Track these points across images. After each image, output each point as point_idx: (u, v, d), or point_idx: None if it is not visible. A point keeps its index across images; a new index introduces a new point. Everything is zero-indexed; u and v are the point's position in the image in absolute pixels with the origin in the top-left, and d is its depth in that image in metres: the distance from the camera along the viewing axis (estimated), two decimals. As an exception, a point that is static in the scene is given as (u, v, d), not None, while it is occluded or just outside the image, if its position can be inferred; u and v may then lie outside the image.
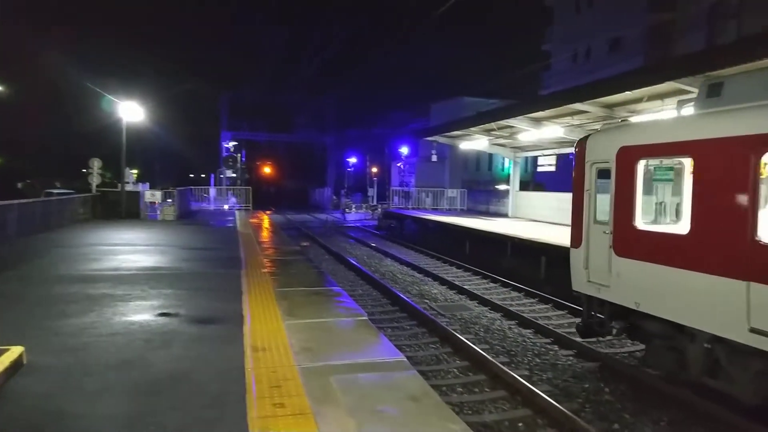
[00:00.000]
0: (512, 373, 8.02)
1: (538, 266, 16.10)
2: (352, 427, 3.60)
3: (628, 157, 7.63)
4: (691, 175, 6.75)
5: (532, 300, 13.91)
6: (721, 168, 6.21)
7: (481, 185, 38.14)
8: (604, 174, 8.20)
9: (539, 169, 32.10)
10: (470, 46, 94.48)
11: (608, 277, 7.87)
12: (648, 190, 7.93)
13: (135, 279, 8.89)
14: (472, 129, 23.80)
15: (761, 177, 5.84)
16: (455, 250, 21.33)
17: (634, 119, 13.25)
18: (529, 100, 23.17)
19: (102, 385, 4.30)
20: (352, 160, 59.47)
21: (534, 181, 35.84)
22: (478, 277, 17.06)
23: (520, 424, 6.74)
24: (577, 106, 15.89)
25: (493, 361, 8.63)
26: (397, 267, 19.04)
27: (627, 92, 13.65)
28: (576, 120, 17.94)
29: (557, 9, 42.50)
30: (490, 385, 7.94)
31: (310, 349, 5.26)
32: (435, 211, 31.94)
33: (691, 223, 6.58)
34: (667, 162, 7.74)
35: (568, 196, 23.15)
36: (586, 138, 8.78)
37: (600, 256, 8.06)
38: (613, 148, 7.88)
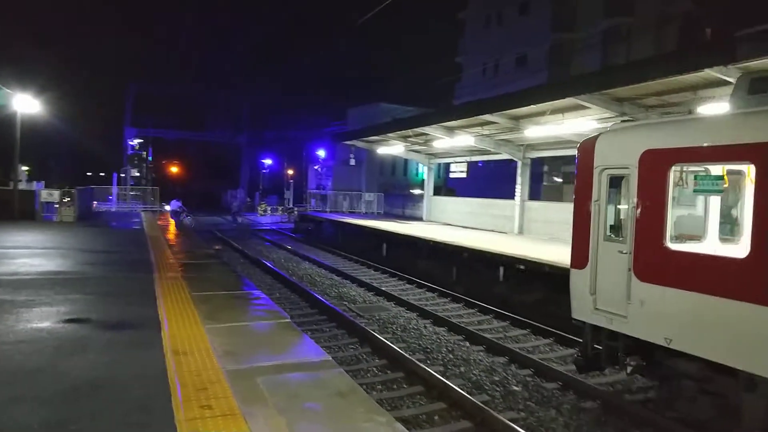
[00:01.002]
0: (428, 369, 8.41)
1: (451, 267, 16.84)
2: (283, 424, 3.71)
3: (656, 162, 6.38)
4: (753, 186, 5.54)
5: (445, 300, 14.54)
6: None
7: (397, 189, 38.97)
8: (617, 182, 7.06)
9: (451, 175, 33.44)
10: (389, 53, 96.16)
11: (625, 305, 6.61)
12: (683, 203, 6.80)
13: (37, 284, 8.32)
14: (390, 135, 24.38)
15: None
16: (373, 252, 21.71)
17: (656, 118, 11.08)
18: (444, 109, 24.14)
19: (10, 395, 4.07)
20: (268, 161, 58.41)
21: (446, 186, 37.19)
22: (395, 278, 17.51)
23: (436, 417, 7.11)
24: (487, 117, 16.85)
25: (410, 358, 8.99)
26: (315, 270, 19.07)
27: (533, 106, 14.70)
28: (485, 130, 18.98)
29: (469, 23, 44.47)
30: (408, 382, 8.28)
31: (234, 353, 5.27)
32: (352, 214, 32.23)
33: (757, 246, 5.33)
34: (715, 169, 6.40)
35: (478, 201, 24.56)
36: (593, 139, 7.47)
37: (613, 280, 6.78)
38: (635, 152, 6.63)
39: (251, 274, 17.55)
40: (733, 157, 5.78)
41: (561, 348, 10.46)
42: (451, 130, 20.10)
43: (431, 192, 28.40)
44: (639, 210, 6.54)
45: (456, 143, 21.10)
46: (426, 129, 20.62)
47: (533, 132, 16.69)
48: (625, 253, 6.67)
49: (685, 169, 6.43)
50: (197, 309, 7.01)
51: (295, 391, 4.35)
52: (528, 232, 20.62)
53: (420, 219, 28.24)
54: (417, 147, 25.56)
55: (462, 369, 9.03)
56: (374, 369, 8.90)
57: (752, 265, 5.32)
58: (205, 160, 66.30)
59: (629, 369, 6.97)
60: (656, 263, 6.33)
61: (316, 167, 46.62)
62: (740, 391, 5.54)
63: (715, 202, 6.94)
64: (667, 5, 28.85)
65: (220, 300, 7.85)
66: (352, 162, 37.75)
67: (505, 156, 21.35)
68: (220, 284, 9.23)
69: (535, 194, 22.15)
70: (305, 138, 49.00)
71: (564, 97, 13.39)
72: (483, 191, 26.32)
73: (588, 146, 7.49)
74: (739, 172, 6.30)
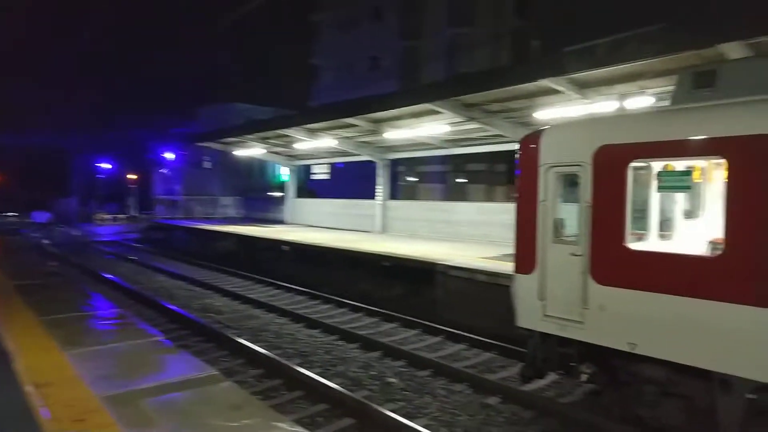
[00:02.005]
0: (307, 373, 8.43)
1: (318, 269, 16.94)
2: (180, 445, 3.53)
3: (614, 158, 6.01)
4: (726, 182, 5.26)
5: (315, 302, 14.59)
6: None
7: (255, 193, 37.98)
8: (568, 180, 6.59)
9: (313, 176, 33.52)
10: (243, 52, 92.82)
11: (581, 311, 6.24)
12: (641, 201, 6.40)
13: None
14: (249, 136, 23.70)
15: None
16: (234, 259, 20.96)
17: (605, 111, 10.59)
18: (307, 111, 24.22)
19: None
20: (106, 166, 53.09)
21: (307, 188, 37.19)
22: (261, 285, 17.11)
23: (320, 418, 7.17)
24: (349, 120, 17.25)
25: (287, 364, 8.92)
26: (172, 282, 17.86)
27: (393, 110, 15.40)
28: (347, 132, 19.39)
29: (324, 26, 44.85)
30: (288, 387, 8.21)
31: (108, 377, 4.83)
32: (208, 220, 30.71)
33: (732, 244, 5.15)
34: (679, 165, 6.17)
35: (341, 202, 24.96)
36: (537, 134, 6.93)
37: (566, 284, 6.41)
38: (589, 148, 6.21)
39: (101, 291, 15.89)
40: (704, 151, 5.54)
41: (429, 337, 11.12)
42: (313, 132, 20.18)
43: (293, 194, 28.20)
44: (594, 209, 6.14)
45: (318, 145, 21.22)
46: (288, 131, 20.44)
47: (392, 135, 17.46)
48: (579, 256, 6.26)
49: (645, 164, 6.18)
50: (52, 335, 6.25)
51: (186, 409, 4.14)
52: (390, 230, 21.50)
53: (282, 222, 27.87)
54: (278, 149, 25.20)
55: (340, 368, 9.19)
56: (251, 380, 8.68)
57: (731, 264, 5.13)
58: (29, 167, 58.20)
59: (583, 377, 6.72)
60: (617, 265, 5.97)
61: (163, 171, 43.58)
62: (715, 393, 5.37)
63: (677, 199, 6.79)
64: (501, 19, 31.99)
65: (76, 322, 7.07)
66: (208, 165, 35.97)
67: (365, 157, 22.01)
68: (71, 305, 8.29)
69: (394, 194, 23.16)
70: (150, 139, 45.47)
71: (421, 103, 14.26)
72: (345, 192, 26.82)
73: (531, 142, 6.91)
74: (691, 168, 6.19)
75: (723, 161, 5.29)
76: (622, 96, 11.02)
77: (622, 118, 6.68)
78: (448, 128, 15.56)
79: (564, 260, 6.45)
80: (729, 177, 5.20)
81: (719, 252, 5.36)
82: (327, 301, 14.43)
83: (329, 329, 11.50)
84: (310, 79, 41.73)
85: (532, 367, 7.13)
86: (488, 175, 29.31)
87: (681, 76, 6.33)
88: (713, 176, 6.67)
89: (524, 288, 6.97)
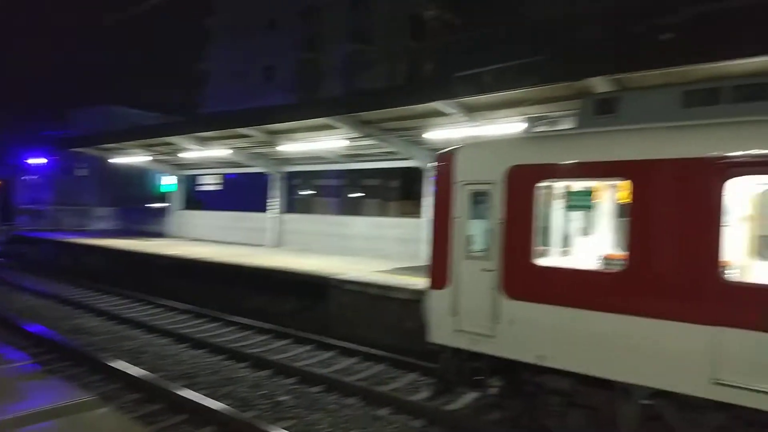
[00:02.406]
0: (191, 395, 7.96)
1: (205, 285, 16.16)
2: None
3: (524, 178, 6.29)
4: (629, 201, 5.63)
5: (201, 320, 13.87)
6: (683, 192, 5.28)
7: (135, 203, 35.44)
8: (481, 197, 6.74)
9: (202, 187, 31.99)
10: (130, 53, 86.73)
11: (492, 325, 6.41)
12: (547, 219, 6.65)
13: None
14: (131, 143, 22.14)
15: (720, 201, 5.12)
16: (110, 276, 19.36)
17: (510, 132, 10.54)
18: (197, 119, 23.10)
19: None
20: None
21: (195, 199, 35.41)
22: (140, 303, 15.93)
23: (207, 443, 6.81)
24: (243, 130, 16.80)
25: (169, 389, 8.35)
26: (38, 301, 16.07)
27: (291, 122, 15.26)
28: (241, 143, 18.84)
29: (217, 32, 43.44)
30: (171, 411, 7.71)
31: (-47, 410, 4.21)
32: (81, 232, 28.13)
33: (633, 260, 5.51)
34: (584, 186, 6.53)
35: (231, 215, 24.06)
36: (453, 152, 7.08)
37: (478, 299, 6.56)
38: (500, 167, 6.47)
39: (-56, 311, 13.86)
40: (608, 173, 5.88)
41: (322, 352, 11.03)
42: (204, 141, 19.35)
43: (180, 205, 26.74)
44: (505, 226, 6.39)
45: (209, 154, 20.38)
46: (176, 139, 19.41)
47: (288, 147, 17.26)
48: (491, 271, 6.46)
49: (555, 185, 6.44)
50: None
51: (54, 441, 3.73)
52: (285, 244, 21.12)
53: (165, 235, 26.28)
54: (163, 157, 23.80)
55: (228, 388, 8.81)
56: (129, 405, 8.03)
57: (632, 280, 5.47)
58: None
59: (493, 390, 6.90)
60: (526, 280, 6.24)
61: (28, 178, 39.39)
62: (615, 402, 5.69)
63: (579, 217, 7.11)
64: (397, 40, 33.10)
65: None
66: (82, 172, 33.01)
67: (259, 169, 21.50)
68: None
69: (289, 207, 22.83)
70: (14, 143, 40.87)
71: (318, 117, 14.28)
72: (237, 204, 25.93)
73: (447, 159, 7.09)
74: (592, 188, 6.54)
75: (626, 182, 5.66)
76: (506, 120, 11.85)
77: (532, 139, 6.93)
78: (346, 143, 15.71)
79: (476, 276, 6.60)
80: (633, 198, 5.55)
81: (619, 267, 5.71)
82: (214, 319, 13.79)
83: (216, 349, 10.99)
84: (201, 85, 40.06)
85: (445, 382, 7.26)
86: (383, 191, 29.98)
87: (585, 102, 6.72)
88: (604, 196, 7.10)
89: (437, 303, 7.02)
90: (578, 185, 6.53)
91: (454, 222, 6.91)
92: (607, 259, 6.39)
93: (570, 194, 6.58)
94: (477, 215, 6.79)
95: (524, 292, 6.22)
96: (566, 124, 7.26)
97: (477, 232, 6.79)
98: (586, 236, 7.22)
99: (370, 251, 17.97)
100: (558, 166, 6.16)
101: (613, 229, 6.94)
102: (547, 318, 5.98)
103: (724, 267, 5.04)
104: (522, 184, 6.30)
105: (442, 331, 6.97)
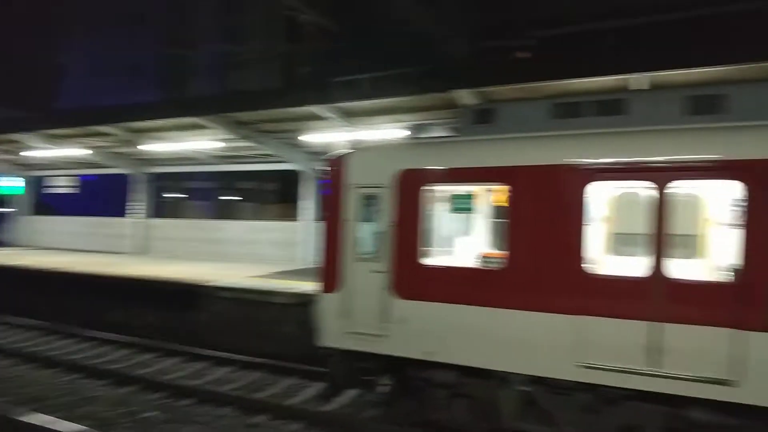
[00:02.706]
0: (40, 419, 7.13)
1: (58, 298, 14.56)
2: None
3: (412, 182, 6.54)
4: (507, 204, 6.09)
5: (52, 337, 12.49)
6: (551, 196, 5.80)
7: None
8: (371, 200, 6.87)
9: (53, 190, 28.78)
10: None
11: (384, 325, 6.59)
12: (434, 221, 6.84)
13: None
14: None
15: (583, 203, 5.67)
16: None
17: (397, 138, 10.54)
18: (49, 114, 20.71)
19: None
20: None
21: (43, 203, 31.72)
22: (-24, 320, 13.93)
23: (60, 471, 6.15)
24: (103, 128, 15.45)
25: (10, 415, 7.41)
26: None
27: (157, 121, 14.32)
28: (100, 141, 17.28)
29: (77, 23, 39.45)
30: (15, 439, 6.84)
31: None
32: None
33: (510, 258, 5.97)
34: (464, 190, 6.91)
35: (89, 220, 21.92)
36: (344, 155, 7.20)
37: (369, 301, 6.71)
38: (390, 171, 6.68)
39: None
40: (488, 178, 6.30)
41: (193, 364, 10.49)
42: (55, 139, 17.44)
43: (28, 211, 23.83)
44: (395, 229, 6.60)
45: (62, 154, 18.41)
46: (20, 136, 17.27)
47: (154, 147, 16.19)
48: (381, 272, 6.63)
49: (439, 189, 6.66)
50: None
51: None
52: (151, 251, 19.71)
53: (10, 244, 23.23)
54: (5, 156, 21.03)
55: (87, 408, 8.04)
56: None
57: (509, 277, 5.94)
58: None
59: (384, 388, 7.03)
60: (415, 280, 6.47)
61: None
62: (496, 389, 6.16)
63: (463, 219, 7.50)
64: (272, 42, 32.54)
65: None
66: None
67: (121, 170, 19.88)
68: None
69: (157, 211, 21.32)
70: None
71: (189, 116, 13.57)
72: (95, 209, 23.68)
73: (338, 163, 7.15)
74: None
75: (504, 187, 6.12)
76: (383, 126, 12.24)
77: (419, 145, 7.18)
78: (219, 144, 15.12)
79: (367, 277, 6.73)
80: (510, 201, 6.02)
81: (498, 265, 6.17)
82: (69, 335, 12.47)
83: (72, 367, 9.96)
84: (54, 79, 36.09)
85: (336, 384, 7.33)
86: (259, 194, 29.24)
87: (465, 111, 7.17)
88: (482, 200, 7.52)
89: (328, 307, 7.05)
90: (461, 189, 6.92)
91: (345, 225, 6.97)
92: (485, 258, 6.88)
93: (453, 197, 6.97)
94: (367, 218, 6.90)
95: (413, 291, 6.45)
96: (440, 132, 7.73)
97: (367, 235, 6.90)
98: (466, 237, 7.64)
99: (246, 256, 17.46)
100: (443, 171, 6.50)
101: (490, 230, 7.47)
102: (434, 315, 6.29)
103: (586, 262, 5.58)
104: (410, 187, 6.55)
105: (333, 333, 7.00)
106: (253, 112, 13.14)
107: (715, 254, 6.09)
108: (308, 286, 11.59)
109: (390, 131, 12.08)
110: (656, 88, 8.89)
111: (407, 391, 6.95)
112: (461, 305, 6.14)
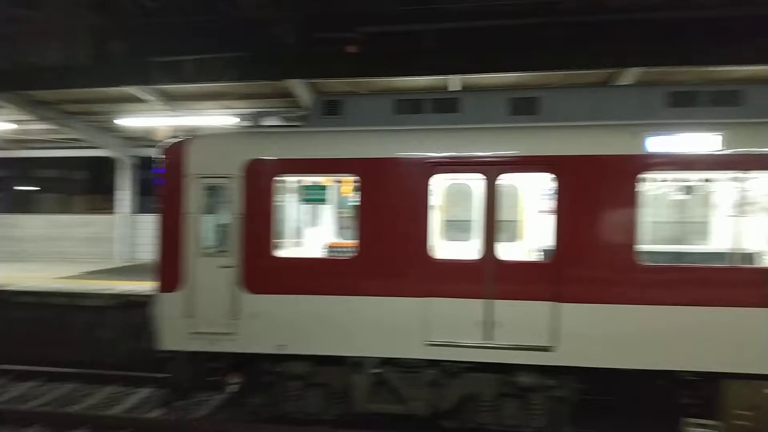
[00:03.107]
0: None
1: None
2: None
3: (263, 172, 6.41)
4: (359, 195, 6.24)
5: None
6: (398, 187, 6.10)
7: None
8: (217, 191, 6.56)
9: None
10: None
11: (233, 322, 6.43)
12: (285, 212, 6.81)
13: None
14: None
15: (426, 194, 6.03)
16: None
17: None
18: None
19: None
20: None
21: None
22: None
23: None
24: None
25: None
26: None
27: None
28: None
29: None
30: None
31: None
32: None
33: (361, 247, 6.17)
34: (316, 181, 6.88)
35: None
36: (183, 143, 6.67)
37: (216, 297, 6.47)
38: (237, 160, 6.44)
39: None
40: (339, 169, 6.37)
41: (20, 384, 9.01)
42: None
43: None
44: (245, 221, 6.41)
45: None
46: None
47: None
48: (230, 267, 6.43)
49: (289, 180, 6.59)
50: None
51: None
52: None
53: None
54: None
55: None
56: None
57: (359, 265, 6.14)
58: None
59: (232, 387, 6.80)
60: (266, 273, 6.38)
61: None
62: (349, 376, 6.41)
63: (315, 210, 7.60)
64: (76, 12, 28.66)
65: None
66: None
67: None
68: None
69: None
70: None
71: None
72: None
73: (176, 151, 6.62)
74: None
75: (355, 178, 6.28)
76: (210, 112, 11.69)
77: (269, 134, 6.96)
78: (12, 126, 13.02)
79: (214, 273, 6.46)
80: (361, 191, 6.21)
81: (349, 254, 6.36)
82: None
83: None
84: None
85: (176, 389, 6.95)
86: (64, 184, 25.70)
87: (315, 101, 7.15)
88: (330, 190, 7.52)
89: (169, 307, 6.60)
90: (312, 180, 6.93)
91: (187, 218, 6.55)
92: (332, 248, 6.99)
93: (305, 188, 6.95)
94: (212, 210, 6.62)
95: (265, 284, 6.39)
96: (278, 122, 7.71)
97: (213, 228, 6.63)
98: (317, 227, 7.71)
99: (51, 255, 15.41)
100: (295, 161, 6.45)
101: (338, 220, 7.68)
102: (286, 308, 6.31)
103: (430, 248, 6.03)
104: (261, 178, 6.42)
105: (176, 335, 6.61)
106: (55, 90, 11.56)
107: (532, 238, 7.03)
108: (129, 286, 10.69)
109: (219, 118, 11.61)
110: (484, 89, 9.93)
111: (259, 387, 6.86)
112: (314, 296, 6.25)
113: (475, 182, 6.49)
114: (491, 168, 6.03)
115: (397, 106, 6.74)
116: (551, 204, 5.97)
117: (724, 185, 6.19)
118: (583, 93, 6.61)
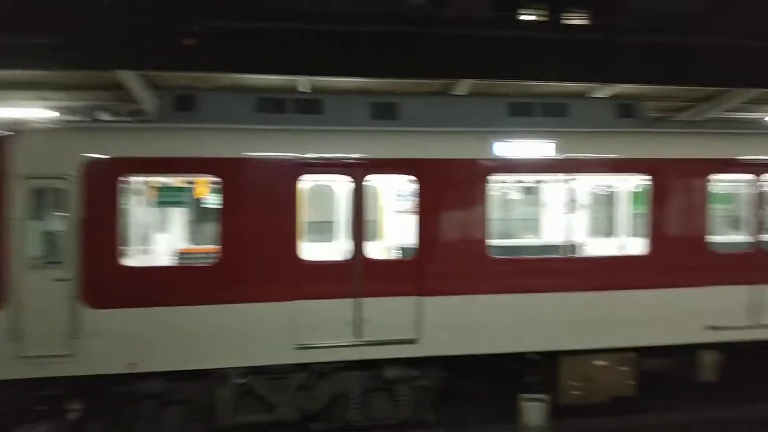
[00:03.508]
0: None
1: None
2: None
3: (107, 172, 5.74)
4: (221, 196, 5.89)
5: None
6: (264, 189, 5.90)
7: None
8: (50, 194, 5.77)
9: None
10: None
11: (71, 342, 5.63)
12: (132, 217, 6.15)
13: None
14: None
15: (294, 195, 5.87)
16: None
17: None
18: None
19: None
20: None
21: None
22: None
23: None
24: None
25: None
26: None
27: None
28: None
29: None
30: None
31: None
32: None
33: (224, 252, 5.83)
34: (170, 182, 6.44)
35: None
36: (8, 139, 5.76)
37: (50, 315, 5.60)
38: (75, 159, 5.68)
39: None
40: (197, 169, 6.00)
41: None
42: None
43: None
44: (84, 227, 5.66)
45: None
46: None
47: None
48: (67, 280, 5.64)
49: (137, 179, 6.09)
50: None
51: None
52: None
53: None
54: None
55: None
56: None
57: (222, 271, 5.85)
58: None
59: (72, 415, 5.94)
60: (113, 285, 5.71)
61: None
62: (210, 389, 6.02)
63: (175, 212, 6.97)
64: None
65: None
66: None
67: None
68: None
69: None
70: None
71: None
72: None
73: None
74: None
75: (217, 179, 5.93)
76: (22, 103, 10.08)
77: (114, 130, 6.38)
78: None
79: (46, 288, 5.66)
80: (224, 193, 5.89)
81: (212, 261, 5.96)
82: None
83: None
84: None
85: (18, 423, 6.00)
86: None
87: (163, 96, 6.67)
88: (185, 193, 7.14)
89: None
90: (166, 181, 6.52)
91: (10, 225, 5.68)
92: (183, 254, 6.52)
93: (158, 190, 6.52)
94: (43, 216, 5.89)
95: (111, 298, 5.75)
96: (106, 116, 6.98)
97: (44, 236, 5.89)
98: (171, 233, 7.18)
99: None
100: (144, 160, 5.92)
101: (194, 225, 7.19)
102: (138, 322, 5.74)
103: (299, 251, 5.93)
104: (103, 178, 5.77)
105: None
106: None
107: (391, 236, 7.28)
108: None
109: (31, 110, 10.01)
110: (346, 92, 9.99)
111: (102, 412, 6.20)
112: (169, 307, 5.76)
113: (338, 184, 6.56)
114: (358, 169, 6.15)
115: (258, 105, 6.53)
116: (412, 204, 6.31)
117: (556, 186, 7.09)
118: (437, 101, 7.20)
